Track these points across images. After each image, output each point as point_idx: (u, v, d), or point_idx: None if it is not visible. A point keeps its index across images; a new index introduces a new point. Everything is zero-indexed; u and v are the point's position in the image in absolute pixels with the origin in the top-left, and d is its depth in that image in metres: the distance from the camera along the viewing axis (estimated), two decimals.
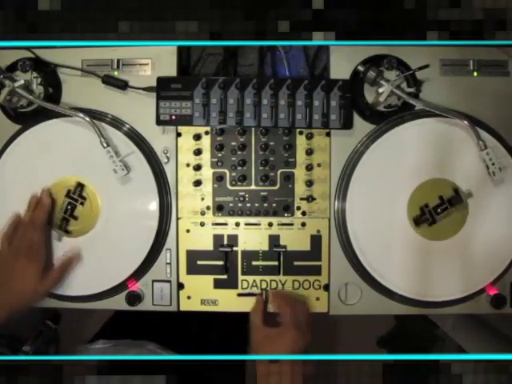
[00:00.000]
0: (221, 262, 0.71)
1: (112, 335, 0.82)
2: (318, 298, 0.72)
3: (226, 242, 0.72)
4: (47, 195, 0.69)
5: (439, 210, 0.68)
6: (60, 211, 0.70)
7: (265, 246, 0.71)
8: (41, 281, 0.66)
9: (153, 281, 0.72)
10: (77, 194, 0.70)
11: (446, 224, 0.69)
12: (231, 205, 0.72)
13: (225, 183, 0.72)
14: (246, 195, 0.72)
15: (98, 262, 0.70)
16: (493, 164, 0.66)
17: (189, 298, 0.72)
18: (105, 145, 0.67)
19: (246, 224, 0.72)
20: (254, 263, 0.71)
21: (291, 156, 0.71)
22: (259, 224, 0.72)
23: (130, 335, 0.81)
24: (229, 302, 0.71)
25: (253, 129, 0.71)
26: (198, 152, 0.71)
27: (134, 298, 0.70)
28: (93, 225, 0.70)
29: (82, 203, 0.70)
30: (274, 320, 0.66)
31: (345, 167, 0.71)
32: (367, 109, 0.70)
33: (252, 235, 0.72)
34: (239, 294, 0.71)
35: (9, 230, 0.68)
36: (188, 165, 0.71)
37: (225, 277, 0.72)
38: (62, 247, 0.70)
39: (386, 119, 0.70)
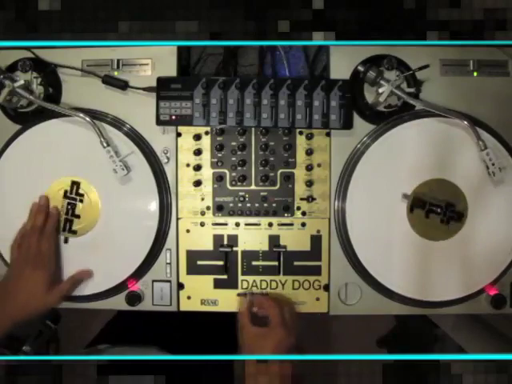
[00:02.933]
0: (221, 262, 0.71)
1: (112, 336, 0.82)
2: (318, 298, 0.72)
3: (225, 242, 0.72)
4: (53, 206, 0.69)
5: (439, 211, 0.68)
6: (62, 214, 0.70)
7: (265, 246, 0.71)
8: (49, 294, 0.66)
9: (153, 281, 0.72)
10: (74, 192, 0.70)
11: (445, 224, 0.69)
12: (231, 205, 0.72)
13: (225, 183, 0.72)
14: (246, 195, 0.72)
15: (99, 262, 0.70)
16: (493, 164, 0.66)
17: (189, 298, 0.72)
18: (105, 145, 0.67)
19: (246, 224, 0.72)
20: (254, 263, 0.71)
21: (291, 156, 0.71)
22: (259, 224, 0.72)
23: (131, 336, 0.81)
24: (229, 302, 0.71)
25: (253, 129, 0.71)
26: (198, 152, 0.71)
27: (134, 298, 0.70)
28: (95, 221, 0.70)
29: (81, 200, 0.70)
30: (261, 320, 0.66)
31: (345, 167, 0.71)
32: (367, 109, 0.70)
33: (252, 235, 0.72)
34: (239, 294, 0.72)
35: (18, 239, 0.68)
36: (188, 165, 0.71)
37: (225, 277, 0.72)
38: (67, 248, 0.70)
39: (386, 119, 0.70)
